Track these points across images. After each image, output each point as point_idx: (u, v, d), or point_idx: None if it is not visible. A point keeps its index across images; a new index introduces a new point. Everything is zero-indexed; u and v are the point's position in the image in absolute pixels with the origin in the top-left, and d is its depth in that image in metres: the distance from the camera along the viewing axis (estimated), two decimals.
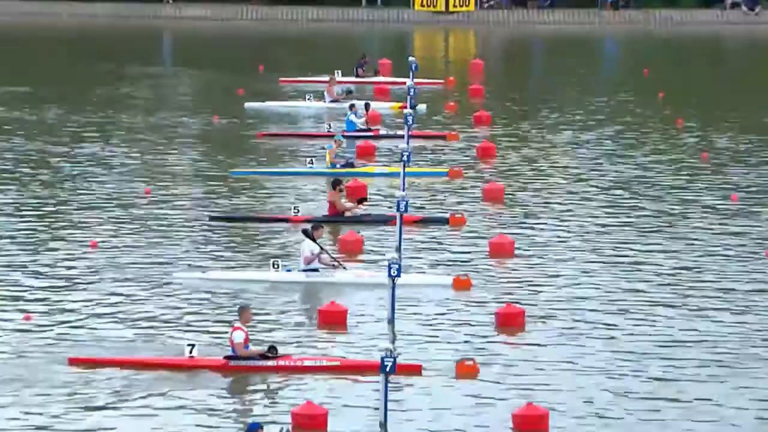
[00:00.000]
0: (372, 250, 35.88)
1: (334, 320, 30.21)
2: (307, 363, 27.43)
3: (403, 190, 36.86)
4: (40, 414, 25.09)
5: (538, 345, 29.40)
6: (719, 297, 32.85)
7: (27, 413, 25.12)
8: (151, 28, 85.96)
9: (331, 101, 55.51)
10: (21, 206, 41.68)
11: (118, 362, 27.87)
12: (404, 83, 57.05)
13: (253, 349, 27.49)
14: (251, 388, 26.81)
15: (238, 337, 27.28)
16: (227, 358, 27.41)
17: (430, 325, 30.47)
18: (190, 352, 27.58)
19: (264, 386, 26.76)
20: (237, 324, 27.64)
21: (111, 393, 26.22)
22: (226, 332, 28.48)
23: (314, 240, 33.75)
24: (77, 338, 29.59)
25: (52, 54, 75.93)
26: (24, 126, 54.15)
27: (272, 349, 27.42)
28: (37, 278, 34.21)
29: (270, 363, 27.36)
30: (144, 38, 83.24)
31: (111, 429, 24.60)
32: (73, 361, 27.85)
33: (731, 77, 75.37)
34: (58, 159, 48.56)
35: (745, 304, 32.26)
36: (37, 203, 42.05)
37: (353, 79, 61.96)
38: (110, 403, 25.73)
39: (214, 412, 24.80)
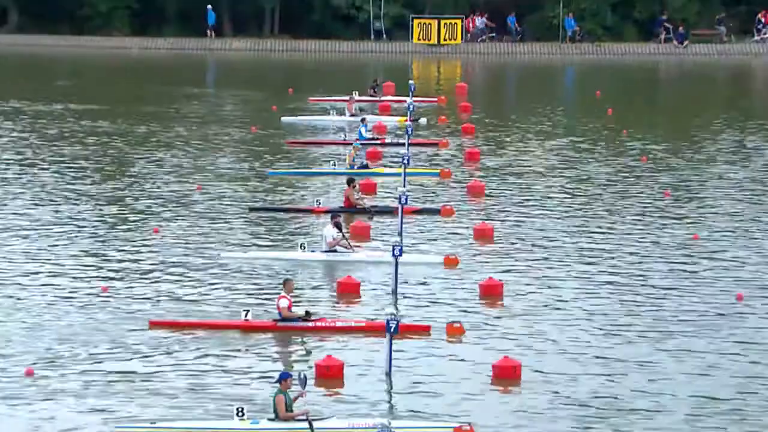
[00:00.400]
0: (378, 235, 35.95)
1: (350, 290, 30.49)
2: (338, 324, 27.75)
3: (404, 187, 37.47)
4: (123, 372, 25.31)
5: (515, 312, 29.49)
6: (660, 272, 32.94)
7: (112, 371, 25.36)
8: (200, 57, 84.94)
9: (351, 116, 55.48)
10: (101, 198, 41.66)
11: (190, 324, 28.07)
12: (404, 101, 57.11)
13: (295, 312, 27.91)
14: (291, 343, 27.20)
15: (283, 303, 27.65)
16: (275, 320, 27.76)
17: (425, 294, 30.68)
18: (245, 316, 27.98)
19: (300, 343, 27.09)
20: (282, 293, 27.98)
21: (184, 349, 26.57)
22: (272, 300, 28.89)
23: (339, 228, 34.06)
24: (152, 306, 29.71)
25: (125, 78, 75.42)
26: (103, 135, 53.97)
27: (308, 313, 27.83)
28: (111, 258, 34.25)
29: (308, 324, 27.72)
30: (195, 66, 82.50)
31: (186, 377, 24.99)
32: (154, 324, 28.17)
33: (665, 97, 75.44)
34: (131, 161, 48.53)
35: (677, 279, 32.37)
36: (113, 196, 42.04)
37: (367, 98, 61.67)
38: (186, 359, 26.09)
39: (265, 361, 25.24)
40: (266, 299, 29.52)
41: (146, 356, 26.21)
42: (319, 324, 27.83)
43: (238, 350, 26.57)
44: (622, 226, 38.73)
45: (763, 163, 49.79)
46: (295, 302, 28.40)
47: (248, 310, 28.27)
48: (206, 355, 26.28)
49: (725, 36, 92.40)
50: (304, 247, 34.02)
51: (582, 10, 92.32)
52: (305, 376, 22.44)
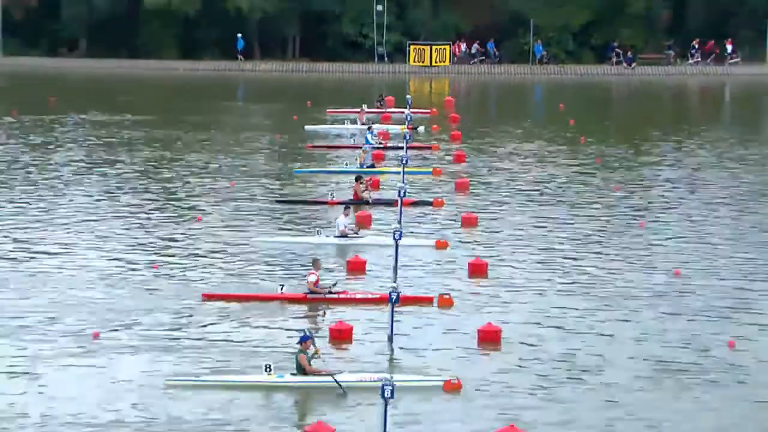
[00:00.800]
0: (381, 224, 35.83)
1: (358, 268, 30.44)
2: (358, 296, 27.77)
3: (403, 182, 37.32)
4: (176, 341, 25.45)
5: (498, 286, 29.51)
6: (612, 253, 32.89)
7: (167, 334, 25.52)
8: (233, 77, 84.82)
9: (362, 124, 55.38)
10: (153, 192, 41.70)
11: (236, 296, 27.97)
12: (403, 112, 56.93)
13: (322, 286, 27.88)
14: (315, 312, 27.17)
15: (312, 278, 27.68)
16: (305, 293, 27.76)
17: (420, 272, 30.69)
18: (281, 290, 27.99)
19: (322, 312, 27.10)
20: (311, 270, 28.03)
21: (227, 317, 26.60)
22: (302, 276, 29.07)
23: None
24: (200, 281, 29.67)
25: (172, 94, 75.37)
26: (154, 140, 54.02)
27: (333, 286, 27.91)
28: (162, 242, 34.23)
29: (333, 296, 27.70)
30: (228, 84, 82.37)
31: (227, 339, 25.03)
32: (206, 297, 28.13)
33: (615, 110, 75.56)
34: (177, 161, 48.58)
35: (627, 259, 32.35)
36: (163, 191, 41.99)
37: (374, 110, 61.45)
38: (229, 324, 26.16)
39: (295, 326, 24.96)
40: (293, 276, 29.45)
41: (196, 322, 26.27)
42: (341, 296, 27.81)
43: (274, 318, 26.55)
44: (581, 215, 38.61)
45: (696, 163, 49.72)
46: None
47: (283, 285, 28.31)
48: (246, 322, 26.31)
49: (672, 59, 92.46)
50: (320, 233, 34.04)
51: (549, 37, 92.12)
52: (311, 335, 22.67)
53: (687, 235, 35.81)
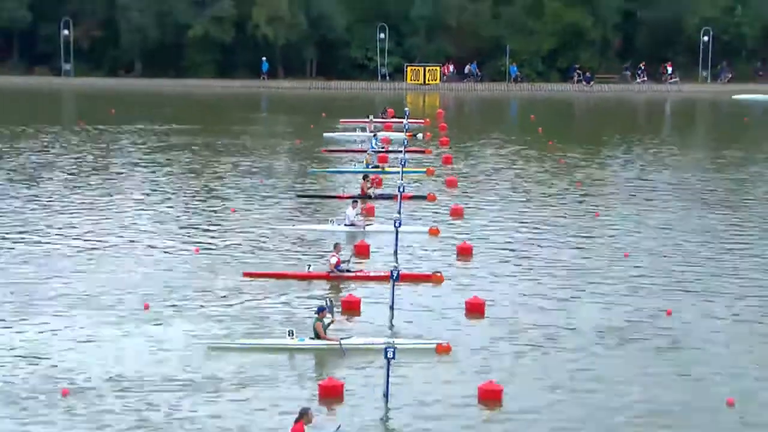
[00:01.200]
0: (383, 214, 35.60)
1: (364, 252, 30.37)
2: (371, 274, 27.62)
3: (402, 180, 37.46)
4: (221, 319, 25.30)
5: (483, 264, 29.55)
6: (572, 239, 32.78)
7: (210, 306, 25.45)
8: (259, 93, 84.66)
9: (370, 132, 55.25)
10: (193, 189, 41.51)
11: (270, 275, 27.89)
12: (401, 122, 57.15)
13: (341, 266, 27.74)
14: (334, 288, 27.07)
15: (333, 260, 27.61)
16: (328, 272, 27.66)
17: (416, 254, 30.65)
18: (309, 269, 27.91)
19: (339, 288, 26.98)
20: (333, 252, 27.89)
21: (261, 291, 26.53)
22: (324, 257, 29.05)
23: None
24: (237, 262, 29.51)
25: (210, 107, 75.26)
26: (195, 145, 53.88)
27: (347, 263, 27.84)
28: (202, 230, 34.13)
29: (350, 274, 27.67)
30: (255, 99, 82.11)
31: (260, 309, 25.03)
32: (247, 275, 27.92)
33: (577, 120, 75.54)
34: (213, 163, 48.41)
35: (584, 244, 32.35)
36: (202, 188, 41.81)
37: (378, 120, 61.09)
38: (263, 297, 26.08)
39: (318, 299, 24.95)
40: (312, 260, 29.25)
41: (237, 296, 26.20)
42: (359, 274, 27.74)
43: (302, 292, 26.46)
44: (549, 206, 38.54)
45: (642, 164, 49.61)
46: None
47: (310, 265, 28.24)
48: (278, 295, 26.25)
49: (629, 78, 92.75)
50: (333, 222, 34.00)
51: (522, 60, 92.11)
52: (332, 303, 22.67)
53: (634, 223, 35.75)
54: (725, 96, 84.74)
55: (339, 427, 17.14)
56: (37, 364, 21.14)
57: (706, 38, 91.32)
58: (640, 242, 32.64)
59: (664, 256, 30.89)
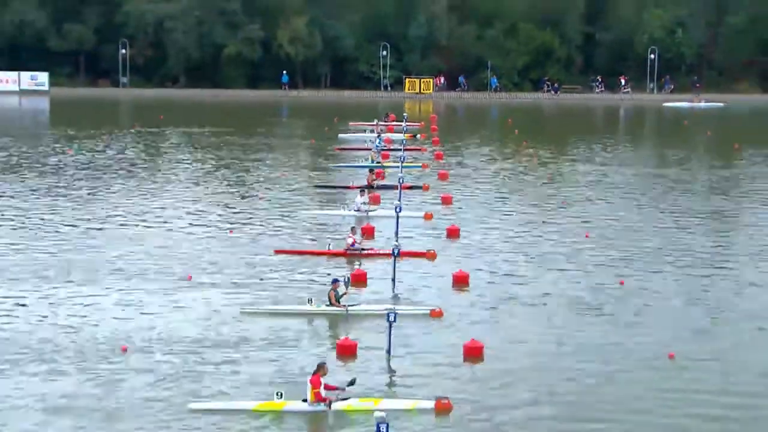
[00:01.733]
0: (386, 202, 35.48)
1: (369, 233, 30.23)
2: (380, 252, 27.37)
3: (401, 173, 37.44)
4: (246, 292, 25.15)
5: (470, 244, 29.42)
6: (541, 219, 32.77)
7: (244, 277, 25.30)
8: (281, 101, 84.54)
9: (375, 133, 55.05)
10: (228, 180, 41.33)
11: (297, 252, 27.69)
12: (401, 124, 56.93)
13: (356, 245, 27.61)
14: (350, 264, 26.86)
15: (349, 240, 27.51)
16: (345, 249, 27.47)
17: (413, 235, 30.42)
18: (329, 247, 27.75)
19: (354, 264, 26.81)
20: (349, 234, 27.85)
21: (287, 265, 26.36)
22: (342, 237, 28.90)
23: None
24: (266, 241, 29.37)
25: (241, 113, 75.13)
26: (226, 144, 53.63)
27: (363, 247, 27.67)
28: (236, 213, 34.01)
29: (365, 251, 27.50)
30: (277, 106, 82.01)
31: (286, 281, 24.80)
32: (277, 252, 27.74)
33: (546, 124, 75.16)
34: (243, 159, 48.13)
35: (551, 225, 32.22)
36: (233, 179, 41.68)
37: (382, 123, 60.75)
38: (290, 270, 25.81)
39: (336, 272, 24.95)
40: (332, 239, 29.04)
41: (267, 270, 26.10)
42: (369, 251, 27.59)
43: (322, 266, 26.31)
44: (523, 194, 38.46)
45: (600, 160, 49.47)
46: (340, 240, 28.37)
47: (330, 243, 28.15)
48: (302, 269, 26.09)
49: (597, 89, 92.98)
50: (345, 208, 33.94)
51: (501, 73, 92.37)
52: (348, 280, 22.55)
53: (594, 209, 35.69)
54: (680, 104, 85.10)
55: (354, 379, 17.04)
56: (99, 325, 21.14)
57: (652, 56, 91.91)
58: (599, 225, 32.54)
59: (619, 238, 30.80)
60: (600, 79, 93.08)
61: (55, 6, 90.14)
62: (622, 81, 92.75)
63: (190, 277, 25.05)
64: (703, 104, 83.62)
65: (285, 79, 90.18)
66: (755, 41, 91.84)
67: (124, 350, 19.55)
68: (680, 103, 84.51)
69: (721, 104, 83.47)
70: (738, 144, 55.15)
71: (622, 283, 24.77)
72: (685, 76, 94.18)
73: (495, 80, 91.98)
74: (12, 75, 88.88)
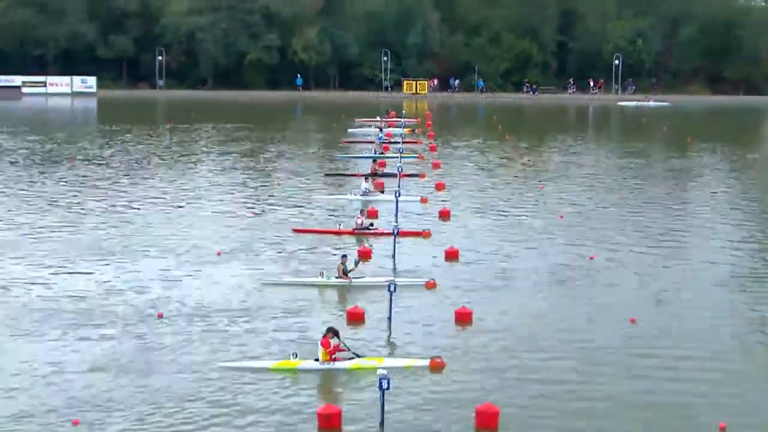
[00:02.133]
0: (387, 187, 35.34)
1: (373, 215, 29.93)
2: (383, 231, 27.04)
3: (400, 163, 37.26)
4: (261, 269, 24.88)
5: (460, 222, 29.28)
6: (523, 202, 32.64)
7: (265, 252, 25.12)
8: (295, 101, 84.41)
9: (378, 128, 54.83)
10: (248, 169, 40.93)
11: (313, 231, 27.49)
12: (400, 120, 56.98)
13: (365, 225, 27.41)
14: (361, 242, 26.56)
15: (359, 221, 27.29)
16: (353, 228, 27.22)
17: (411, 216, 30.27)
18: (340, 226, 27.51)
19: (361, 242, 26.58)
20: (359, 215, 27.68)
21: (302, 243, 26.19)
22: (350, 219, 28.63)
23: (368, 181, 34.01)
24: (283, 220, 29.24)
25: (260, 111, 74.50)
26: (248, 138, 53.16)
27: (371, 224, 27.50)
28: (256, 197, 33.81)
29: (372, 230, 27.22)
30: (292, 105, 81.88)
31: (303, 255, 24.58)
32: (295, 230, 27.49)
33: (527, 120, 74.85)
34: (261, 150, 47.85)
35: (532, 206, 32.06)
36: (255, 168, 41.35)
37: (384, 119, 60.69)
38: (306, 248, 25.73)
39: (344, 250, 24.67)
40: (339, 220, 28.88)
41: (286, 246, 25.91)
42: (375, 230, 27.39)
43: (332, 243, 26.08)
44: (507, 183, 38.21)
45: (573, 151, 49.38)
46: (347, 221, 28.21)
47: (340, 223, 27.93)
48: (315, 246, 25.90)
49: (573, 91, 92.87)
50: (354, 193, 33.78)
51: (487, 76, 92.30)
52: (358, 260, 22.43)
53: (567, 192, 35.49)
54: (630, 103, 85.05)
55: (358, 355, 16.76)
56: (138, 295, 21.04)
57: (617, 62, 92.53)
58: (572, 207, 32.36)
59: (590, 218, 30.61)
60: (572, 82, 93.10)
61: (102, 20, 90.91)
62: (591, 83, 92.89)
63: (219, 252, 24.87)
64: (652, 103, 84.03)
65: (299, 81, 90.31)
66: (703, 50, 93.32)
67: (160, 316, 19.42)
68: (632, 102, 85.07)
69: (667, 103, 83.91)
70: (690, 138, 55.04)
71: (592, 258, 24.59)
72: (645, 79, 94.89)
73: (481, 82, 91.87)
74: (66, 79, 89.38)
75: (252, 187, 36.39)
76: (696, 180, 40.06)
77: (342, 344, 16.70)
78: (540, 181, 38.20)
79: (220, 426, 14.28)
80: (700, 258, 25.06)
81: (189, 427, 14.22)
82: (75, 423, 14.17)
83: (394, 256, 24.15)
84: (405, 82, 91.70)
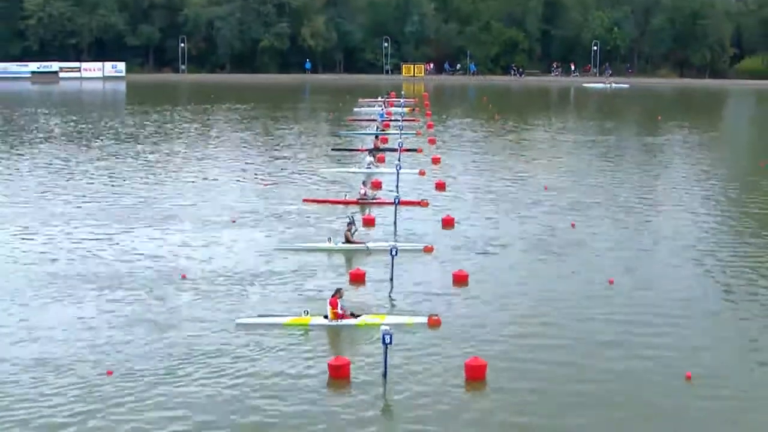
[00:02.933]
0: (390, 160, 35.00)
1: (378, 186, 29.78)
2: (384, 202, 26.86)
3: (400, 139, 36.93)
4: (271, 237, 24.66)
5: (454, 194, 29.01)
6: (510, 178, 32.25)
7: (275, 221, 24.87)
8: (304, 83, 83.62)
9: (380, 108, 54.38)
10: (260, 144, 40.68)
11: (321, 201, 27.11)
12: (400, 100, 56.57)
13: (367, 195, 27.16)
14: (364, 210, 26.26)
15: (362, 191, 27.06)
16: (357, 198, 27.01)
17: (410, 187, 29.79)
18: (345, 196, 27.21)
19: (364, 210, 26.31)
20: (361, 185, 27.42)
21: (315, 213, 25.83)
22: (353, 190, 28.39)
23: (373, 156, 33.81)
24: (294, 191, 28.90)
25: (270, 92, 73.46)
26: (262, 117, 52.93)
27: (374, 197, 27.27)
28: (268, 170, 33.42)
29: (374, 201, 27.02)
30: (300, 86, 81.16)
31: (309, 222, 24.37)
32: (306, 200, 27.23)
33: (514, 100, 74.27)
34: (270, 127, 47.32)
35: (515, 179, 31.86)
36: (266, 143, 40.98)
37: (386, 99, 60.22)
38: (314, 217, 25.40)
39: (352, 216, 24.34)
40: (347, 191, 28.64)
41: (295, 215, 25.68)
42: (378, 200, 27.19)
43: (339, 212, 25.86)
44: (496, 156, 37.85)
45: (557, 127, 49.00)
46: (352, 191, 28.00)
47: (346, 193, 27.70)
48: (322, 214, 25.65)
49: (558, 73, 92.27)
50: (356, 166, 33.51)
51: (478, 61, 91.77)
52: (353, 219, 22.22)
53: (551, 166, 35.20)
54: (595, 85, 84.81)
55: (360, 316, 16.61)
56: (162, 258, 20.90)
57: (595, 48, 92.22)
58: (557, 180, 32.04)
59: (571, 191, 30.37)
60: (555, 66, 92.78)
61: (131, 11, 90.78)
62: (572, 67, 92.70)
63: (235, 219, 24.68)
64: (613, 85, 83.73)
65: (308, 65, 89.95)
66: (672, 37, 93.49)
67: (184, 277, 19.28)
68: (595, 84, 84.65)
69: (627, 85, 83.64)
70: (660, 116, 54.71)
71: (573, 226, 24.41)
72: (621, 64, 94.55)
73: (473, 66, 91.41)
74: (98, 65, 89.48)
75: (264, 160, 36.07)
76: (665, 153, 39.82)
77: (342, 308, 16.55)
78: (523, 154, 37.84)
79: (240, 376, 14.21)
80: (671, 225, 24.84)
81: (212, 378, 14.14)
82: (109, 373, 14.05)
83: (395, 223, 24.00)
84: (403, 66, 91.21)
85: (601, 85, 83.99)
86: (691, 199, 28.57)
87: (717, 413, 13.16)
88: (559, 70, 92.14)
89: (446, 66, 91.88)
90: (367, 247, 21.45)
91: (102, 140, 41.82)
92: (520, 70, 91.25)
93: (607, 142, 43.27)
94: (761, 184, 31.48)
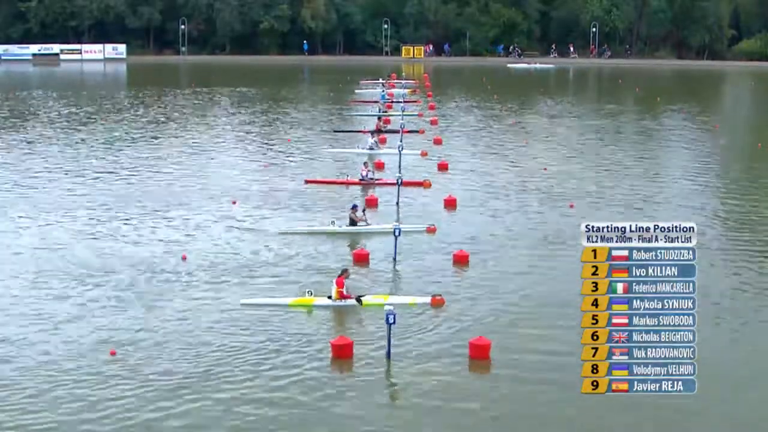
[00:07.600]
0: (390, 142, 34.77)
1: (380, 166, 29.73)
2: (386, 183, 26.73)
3: (402, 120, 36.72)
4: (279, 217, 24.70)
5: (456, 175, 28.93)
6: (507, 158, 32.25)
7: (280, 203, 24.76)
8: (303, 64, 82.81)
9: (381, 89, 54.13)
10: (264, 125, 40.49)
11: (325, 182, 27.09)
12: (401, 81, 56.44)
13: (369, 176, 27.02)
14: (367, 191, 26.20)
15: (363, 172, 26.91)
16: (360, 179, 26.80)
17: (412, 166, 29.62)
18: (348, 177, 27.11)
19: (366, 191, 26.22)
20: (363, 166, 27.28)
21: (318, 194, 25.58)
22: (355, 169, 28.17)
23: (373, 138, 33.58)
24: (296, 173, 28.77)
25: (270, 74, 73.24)
26: (266, 99, 52.53)
27: (374, 178, 27.04)
28: (273, 155, 33.46)
29: (376, 182, 26.86)
30: (300, 68, 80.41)
31: (313, 203, 24.28)
32: (308, 181, 27.24)
33: (514, 81, 73.77)
34: (272, 110, 47.14)
35: (505, 159, 31.95)
36: (269, 124, 40.81)
37: (386, 80, 59.96)
38: (316, 200, 25.17)
39: (355, 199, 24.34)
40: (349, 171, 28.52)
41: (298, 197, 25.54)
42: (379, 181, 27.07)
43: (342, 193, 25.73)
44: (495, 137, 37.69)
45: (558, 108, 48.64)
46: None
47: (348, 174, 27.54)
48: (325, 195, 25.52)
49: (555, 54, 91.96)
50: (358, 147, 33.36)
51: (476, 42, 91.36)
52: (356, 205, 22.09)
53: (549, 147, 34.96)
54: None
55: (363, 297, 16.51)
56: (165, 240, 20.84)
57: (594, 29, 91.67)
58: (555, 161, 31.90)
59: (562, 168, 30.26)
60: (554, 47, 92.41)
61: None
62: (571, 48, 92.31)
63: (235, 202, 24.56)
64: (537, 65, 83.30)
65: (306, 47, 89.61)
66: (670, 19, 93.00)
67: (184, 258, 19.21)
68: (522, 65, 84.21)
69: (552, 66, 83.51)
70: (659, 98, 54.59)
71: (571, 206, 24.31)
72: (619, 45, 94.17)
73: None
74: (98, 47, 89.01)
75: (264, 141, 35.86)
76: (662, 132, 39.76)
77: (346, 291, 16.49)
78: (524, 134, 37.56)
79: (245, 354, 14.15)
80: (671, 203, 24.83)
81: (218, 356, 14.08)
82: (112, 353, 14.00)
83: (398, 204, 23.88)
84: (403, 47, 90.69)
85: (526, 66, 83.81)
86: (690, 183, 28.41)
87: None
88: (556, 51, 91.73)
89: (445, 47, 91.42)
90: (367, 222, 21.28)
91: (102, 122, 41.54)
92: (519, 51, 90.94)
93: (606, 123, 43.03)
94: (756, 166, 31.38)
